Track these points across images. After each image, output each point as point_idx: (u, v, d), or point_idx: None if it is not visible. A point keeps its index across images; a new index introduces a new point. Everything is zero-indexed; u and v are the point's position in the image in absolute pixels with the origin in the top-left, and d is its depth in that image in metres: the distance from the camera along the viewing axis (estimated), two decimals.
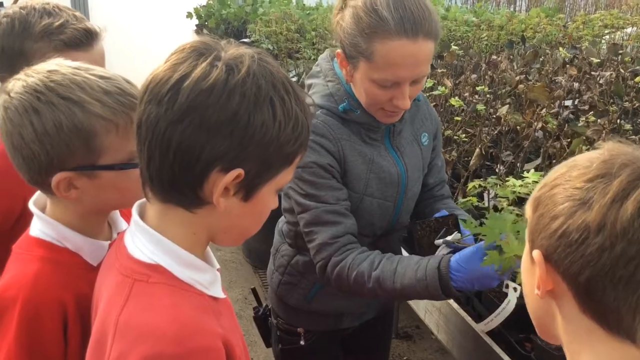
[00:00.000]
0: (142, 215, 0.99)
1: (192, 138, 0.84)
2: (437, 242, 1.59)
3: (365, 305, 1.87)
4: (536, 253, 0.80)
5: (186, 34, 7.10)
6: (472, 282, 1.41)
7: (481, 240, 1.44)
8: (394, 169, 1.65)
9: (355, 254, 1.53)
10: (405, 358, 3.44)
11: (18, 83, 1.08)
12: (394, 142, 1.67)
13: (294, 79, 6.13)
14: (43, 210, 1.18)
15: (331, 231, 1.54)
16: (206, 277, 0.98)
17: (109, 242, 1.22)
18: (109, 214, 1.25)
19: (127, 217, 1.37)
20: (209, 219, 0.94)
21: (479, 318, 1.91)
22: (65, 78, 1.08)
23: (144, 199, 0.99)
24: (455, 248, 1.54)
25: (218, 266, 1.06)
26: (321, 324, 1.85)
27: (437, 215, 1.67)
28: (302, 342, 1.85)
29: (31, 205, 1.18)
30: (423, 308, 2.19)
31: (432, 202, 1.85)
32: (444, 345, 2.02)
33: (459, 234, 1.58)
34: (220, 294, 1.02)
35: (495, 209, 2.24)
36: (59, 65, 1.12)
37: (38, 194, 1.20)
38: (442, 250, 1.56)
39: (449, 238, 1.56)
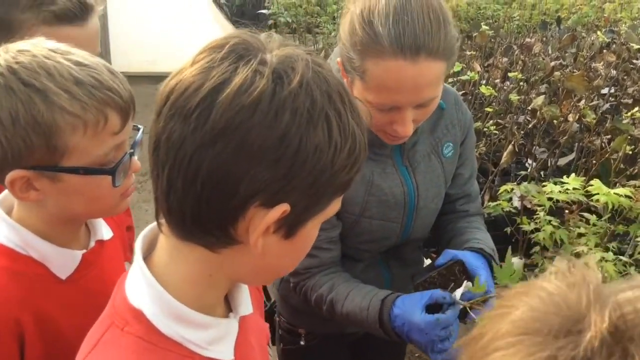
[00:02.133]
0: (151, 243, 0.81)
1: (228, 166, 0.66)
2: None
3: None
4: None
5: (202, 4, 6.88)
6: (403, 325, 1.29)
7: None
8: (399, 189, 1.45)
9: (318, 277, 1.45)
10: (417, 355, 3.29)
11: None
12: (405, 157, 1.45)
13: None
14: (10, 212, 1.03)
15: (304, 262, 1.40)
16: (205, 335, 0.79)
17: (83, 251, 1.05)
18: (83, 221, 1.07)
19: (113, 221, 1.21)
20: (236, 258, 0.75)
21: None
22: (34, 61, 0.92)
23: (154, 225, 0.80)
24: (469, 299, 1.29)
25: (246, 312, 0.87)
26: (323, 327, 1.69)
27: (440, 260, 1.41)
28: (302, 343, 1.72)
29: None
30: None
31: (454, 218, 1.62)
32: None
33: (470, 283, 1.32)
34: (226, 355, 0.82)
35: (526, 209, 2.04)
36: (34, 45, 0.95)
37: (5, 193, 1.04)
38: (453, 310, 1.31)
39: (457, 293, 1.30)
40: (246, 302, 0.87)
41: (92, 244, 1.10)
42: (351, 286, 1.42)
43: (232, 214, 0.69)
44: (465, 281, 1.33)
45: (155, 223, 0.79)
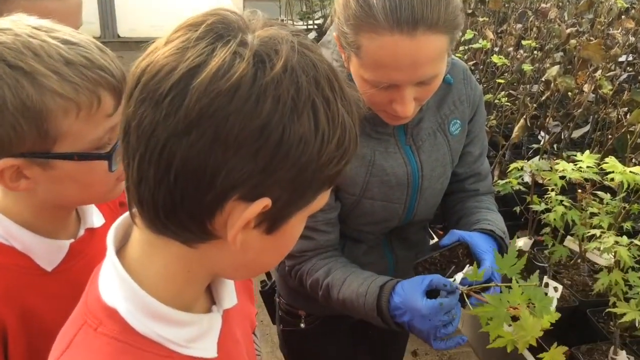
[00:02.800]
0: (124, 236, 0.76)
1: (203, 156, 0.61)
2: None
3: None
4: None
5: None
6: (404, 313, 1.23)
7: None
8: (401, 169, 1.39)
9: (315, 260, 1.40)
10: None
11: None
12: (409, 136, 1.39)
13: (319, 22, 5.72)
14: None
15: (300, 245, 1.38)
16: (184, 333, 0.74)
17: (71, 241, 1.01)
18: (74, 209, 1.03)
19: (106, 205, 1.16)
20: (214, 254, 0.71)
21: None
22: (17, 40, 0.86)
23: (127, 215, 0.75)
24: (469, 285, 1.23)
25: (231, 305, 0.83)
26: (322, 309, 1.66)
27: (445, 241, 1.35)
28: (302, 325, 1.69)
29: None
30: None
31: (463, 197, 1.56)
32: (469, 342, 1.80)
33: (472, 267, 1.26)
34: (209, 352, 0.78)
35: (537, 184, 1.97)
36: (16, 23, 0.89)
37: None
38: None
39: (458, 277, 1.24)
40: (230, 295, 0.83)
41: (82, 232, 1.05)
42: (349, 271, 1.37)
43: (209, 208, 0.64)
44: (468, 265, 1.27)
45: (127, 213, 0.74)
